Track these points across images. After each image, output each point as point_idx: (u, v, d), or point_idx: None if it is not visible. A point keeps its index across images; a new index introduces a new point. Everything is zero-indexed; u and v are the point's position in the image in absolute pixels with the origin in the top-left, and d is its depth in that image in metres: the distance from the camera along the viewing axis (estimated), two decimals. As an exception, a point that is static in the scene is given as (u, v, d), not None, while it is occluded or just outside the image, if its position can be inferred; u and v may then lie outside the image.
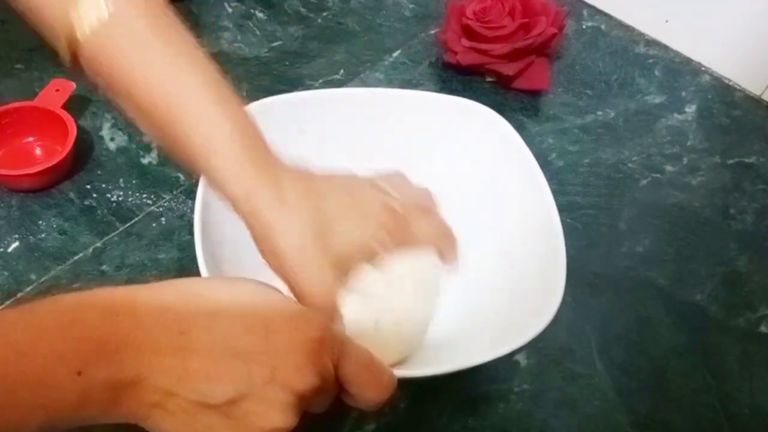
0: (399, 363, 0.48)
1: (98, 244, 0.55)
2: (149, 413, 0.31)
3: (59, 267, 0.53)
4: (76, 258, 0.54)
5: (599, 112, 0.72)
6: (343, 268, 0.42)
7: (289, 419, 0.32)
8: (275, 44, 0.73)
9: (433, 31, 0.77)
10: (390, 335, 0.46)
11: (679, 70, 0.78)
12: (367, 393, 0.37)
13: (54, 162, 0.55)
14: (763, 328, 0.56)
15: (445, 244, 0.48)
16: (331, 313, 0.39)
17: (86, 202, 0.57)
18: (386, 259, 0.45)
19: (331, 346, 0.34)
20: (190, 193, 0.59)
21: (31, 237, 0.55)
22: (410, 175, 0.54)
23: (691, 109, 0.73)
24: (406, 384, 0.50)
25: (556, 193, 0.49)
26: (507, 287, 0.50)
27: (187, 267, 0.53)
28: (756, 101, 0.76)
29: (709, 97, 0.75)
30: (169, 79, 0.39)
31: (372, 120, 0.56)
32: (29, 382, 0.28)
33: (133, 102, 0.40)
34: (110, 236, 0.55)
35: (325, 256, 0.40)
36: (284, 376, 0.32)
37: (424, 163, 0.56)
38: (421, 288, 0.48)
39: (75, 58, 0.43)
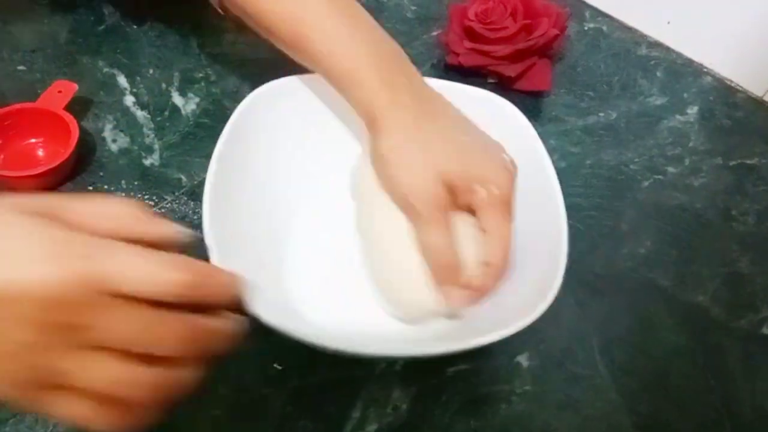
0: None
1: (100, 245, 0.55)
2: None
3: (61, 268, 0.53)
4: (78, 259, 0.54)
5: (601, 114, 0.72)
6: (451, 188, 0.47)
7: (27, 332, 0.29)
8: (277, 46, 0.73)
9: (435, 33, 0.77)
10: None
11: (680, 72, 0.78)
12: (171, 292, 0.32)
13: (56, 163, 0.55)
14: (765, 330, 0.56)
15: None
16: None
17: (88, 204, 0.57)
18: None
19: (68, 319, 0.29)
20: (192, 195, 0.59)
21: (33, 238, 0.55)
22: None
23: (692, 111, 0.73)
24: (408, 383, 0.50)
25: (558, 194, 0.50)
26: (509, 276, 0.50)
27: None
28: (758, 103, 0.76)
29: (711, 98, 0.75)
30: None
31: None
32: None
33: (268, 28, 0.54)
34: (112, 237, 0.55)
35: (426, 169, 0.46)
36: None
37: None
38: None
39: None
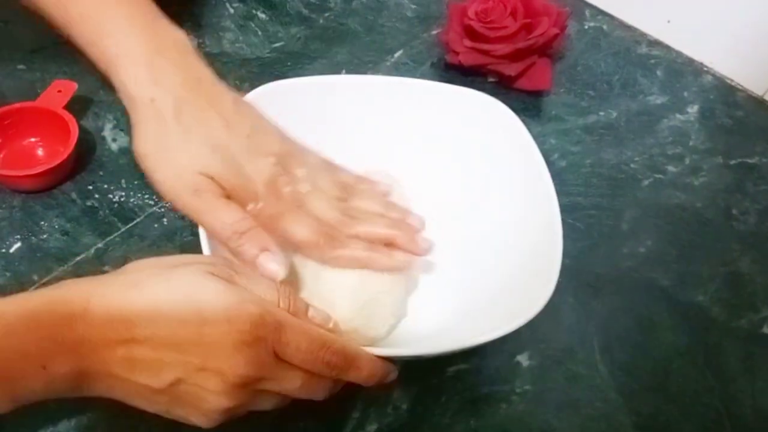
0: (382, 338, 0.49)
1: (100, 245, 0.55)
2: (109, 392, 0.37)
3: (61, 268, 0.53)
4: (78, 259, 0.54)
5: (601, 113, 0.71)
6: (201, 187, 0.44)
7: (223, 401, 0.36)
8: (277, 45, 0.73)
9: (435, 32, 0.77)
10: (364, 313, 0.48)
11: (681, 71, 0.78)
12: (325, 373, 0.40)
13: (56, 163, 0.55)
14: (765, 330, 0.56)
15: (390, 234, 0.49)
16: (270, 298, 0.40)
17: (88, 203, 0.57)
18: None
19: (264, 337, 0.37)
20: (192, 194, 0.58)
21: (33, 238, 0.55)
22: (413, 163, 0.57)
23: (693, 110, 0.73)
24: (408, 383, 0.50)
25: (558, 193, 0.50)
26: (505, 275, 0.50)
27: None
28: (758, 102, 0.76)
29: (712, 97, 0.75)
30: None
31: (375, 107, 0.57)
32: None
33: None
34: (112, 237, 0.55)
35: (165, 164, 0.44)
36: (216, 366, 0.36)
37: (427, 153, 0.57)
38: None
39: None
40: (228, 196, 0.44)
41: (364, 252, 0.47)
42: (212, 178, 0.44)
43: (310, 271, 0.48)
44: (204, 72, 0.48)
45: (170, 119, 0.44)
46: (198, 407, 0.37)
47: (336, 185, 0.50)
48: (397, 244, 0.49)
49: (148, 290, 0.37)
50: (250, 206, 0.45)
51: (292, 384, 0.39)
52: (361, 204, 0.50)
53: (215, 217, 0.43)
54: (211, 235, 0.44)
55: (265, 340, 0.37)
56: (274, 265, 0.42)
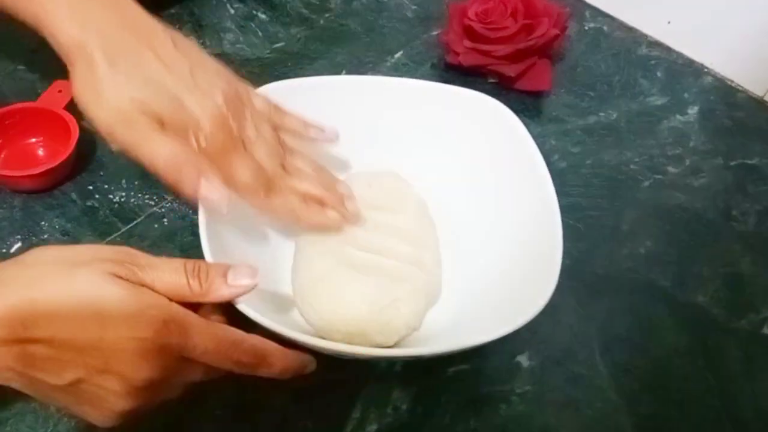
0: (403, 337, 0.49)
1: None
2: (12, 384, 0.36)
3: (61, 268, 0.53)
4: (78, 259, 0.54)
5: (601, 114, 0.72)
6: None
7: (125, 403, 0.36)
8: (277, 45, 0.73)
9: (435, 33, 0.77)
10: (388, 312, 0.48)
11: (681, 72, 0.78)
12: (234, 370, 0.39)
13: (56, 163, 0.55)
14: (765, 330, 0.56)
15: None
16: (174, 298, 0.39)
17: (88, 203, 0.57)
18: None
19: (168, 343, 0.36)
20: (193, 194, 0.58)
21: (33, 238, 0.55)
22: (412, 163, 0.57)
23: (693, 111, 0.73)
24: (408, 383, 0.50)
25: (558, 194, 0.49)
26: (505, 276, 0.50)
27: (189, 268, 0.53)
28: (759, 102, 0.76)
29: (712, 98, 0.75)
30: None
31: (375, 108, 0.57)
32: None
33: None
34: (112, 237, 0.55)
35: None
36: (118, 369, 0.35)
37: (427, 154, 0.57)
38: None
39: None
40: (165, 128, 0.43)
41: (298, 203, 0.47)
42: (146, 107, 0.42)
43: (334, 268, 0.48)
44: (135, 11, 0.46)
45: (101, 62, 0.43)
46: (98, 407, 0.36)
47: (276, 138, 0.49)
48: (326, 204, 0.49)
49: (49, 290, 0.35)
50: (193, 138, 0.44)
51: (196, 376, 0.38)
52: (295, 162, 0.50)
53: (151, 149, 0.42)
54: (150, 169, 0.43)
55: (170, 345, 0.36)
56: (215, 194, 0.42)
